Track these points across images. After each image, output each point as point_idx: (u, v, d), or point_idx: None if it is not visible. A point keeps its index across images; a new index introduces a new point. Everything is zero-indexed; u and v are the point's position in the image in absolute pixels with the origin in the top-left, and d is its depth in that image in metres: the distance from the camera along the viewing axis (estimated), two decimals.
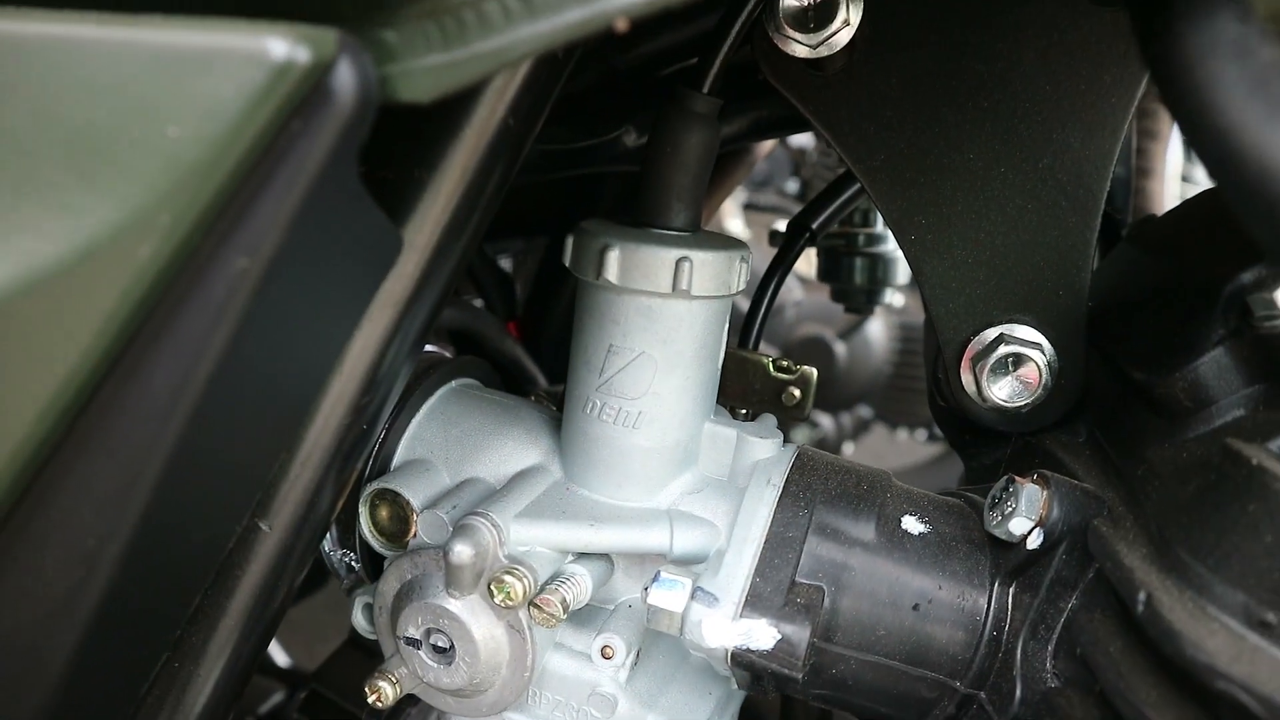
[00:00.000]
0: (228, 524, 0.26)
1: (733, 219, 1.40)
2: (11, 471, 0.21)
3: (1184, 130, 0.21)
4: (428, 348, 0.38)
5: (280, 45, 0.17)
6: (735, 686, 0.30)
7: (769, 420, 0.33)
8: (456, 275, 0.27)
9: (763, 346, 0.78)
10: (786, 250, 0.39)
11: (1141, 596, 0.22)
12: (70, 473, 0.23)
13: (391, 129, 0.21)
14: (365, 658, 0.43)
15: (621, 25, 0.18)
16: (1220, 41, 0.19)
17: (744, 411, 0.37)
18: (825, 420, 1.54)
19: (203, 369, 0.21)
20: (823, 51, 0.29)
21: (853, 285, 0.70)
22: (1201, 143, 0.20)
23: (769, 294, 0.38)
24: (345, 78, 0.18)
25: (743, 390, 0.37)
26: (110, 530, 0.24)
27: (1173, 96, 0.20)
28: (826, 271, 0.72)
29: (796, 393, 0.37)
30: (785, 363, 0.37)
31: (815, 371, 0.37)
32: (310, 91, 0.18)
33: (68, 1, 0.20)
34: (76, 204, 0.19)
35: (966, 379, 0.31)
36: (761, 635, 0.26)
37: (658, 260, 0.28)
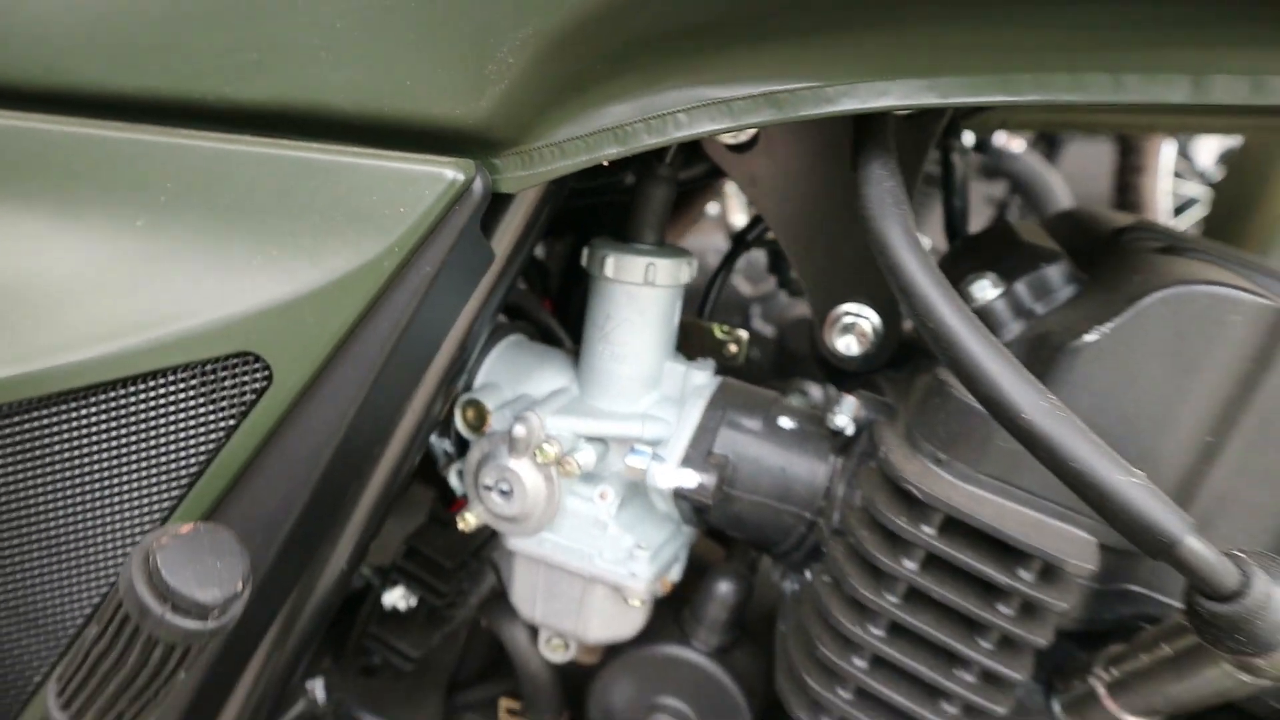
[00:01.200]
0: (388, 425, 0.46)
1: (739, 214, 1.59)
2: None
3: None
4: (501, 321, 0.58)
5: (452, 171, 0.37)
6: (681, 520, 0.50)
7: (709, 362, 0.53)
8: (518, 275, 0.47)
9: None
10: (730, 256, 0.59)
11: (883, 450, 0.42)
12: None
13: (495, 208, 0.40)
14: (441, 528, 0.64)
15: (606, 162, 0.38)
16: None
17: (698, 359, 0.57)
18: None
19: (394, 334, 0.40)
20: (740, 139, 0.48)
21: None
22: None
23: (717, 282, 0.58)
24: (478, 184, 0.38)
25: (699, 345, 0.56)
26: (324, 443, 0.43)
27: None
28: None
29: (734, 348, 0.56)
30: (726, 327, 0.56)
31: (746, 334, 0.56)
32: (463, 191, 0.38)
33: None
34: (345, 251, 0.38)
35: (829, 338, 0.51)
36: (689, 479, 0.46)
37: (636, 264, 0.48)
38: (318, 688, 0.64)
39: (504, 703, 0.62)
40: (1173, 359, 0.37)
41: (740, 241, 0.59)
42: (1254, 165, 1.45)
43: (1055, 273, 0.43)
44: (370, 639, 0.65)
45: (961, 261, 0.50)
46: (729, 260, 0.59)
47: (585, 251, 0.50)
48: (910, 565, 0.39)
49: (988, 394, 0.32)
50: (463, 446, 0.54)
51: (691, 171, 0.55)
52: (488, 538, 0.62)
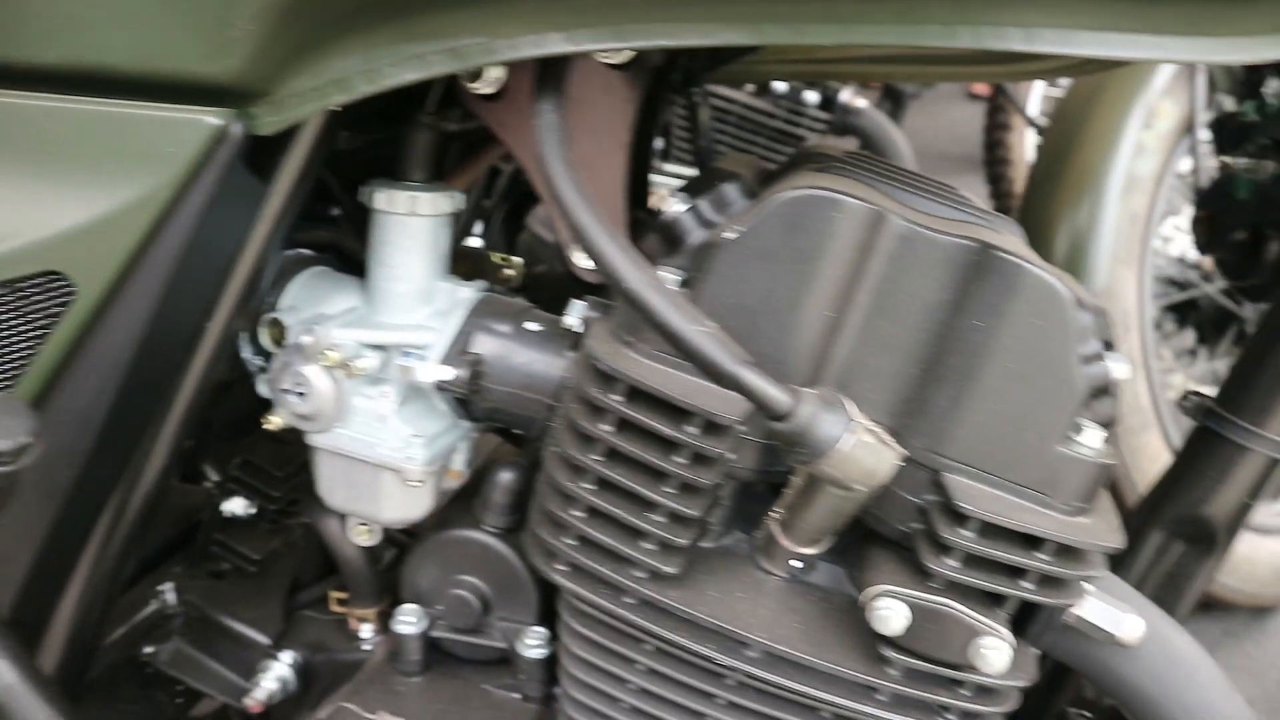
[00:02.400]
0: (191, 336, 0.54)
1: None
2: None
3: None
4: (306, 253, 0.66)
5: (210, 118, 0.46)
6: (454, 415, 0.60)
7: (481, 283, 0.62)
8: (299, 206, 0.55)
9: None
10: (486, 187, 0.68)
11: (588, 338, 0.51)
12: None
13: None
14: (272, 442, 0.72)
15: (338, 107, 0.46)
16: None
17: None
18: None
19: (181, 253, 0.49)
20: (486, 89, 0.57)
21: None
22: None
23: (493, 214, 0.68)
24: (236, 127, 0.46)
25: (480, 271, 0.66)
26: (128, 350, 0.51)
27: None
28: None
29: (510, 272, 0.66)
30: (503, 255, 0.66)
31: (522, 260, 0.66)
32: (222, 134, 0.46)
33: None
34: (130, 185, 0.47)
35: (572, 257, 0.60)
36: (447, 373, 0.56)
37: (401, 198, 0.57)
38: (169, 591, 0.72)
39: (333, 594, 0.71)
40: (793, 250, 0.47)
41: (495, 176, 0.68)
42: (1072, 115, 1.58)
43: (731, 190, 0.53)
44: (215, 545, 0.73)
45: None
46: (486, 191, 0.69)
47: (361, 190, 0.58)
48: (607, 428, 0.49)
49: (609, 274, 0.42)
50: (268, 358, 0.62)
51: (466, 124, 0.64)
52: None
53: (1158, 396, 1.52)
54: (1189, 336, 1.77)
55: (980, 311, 0.47)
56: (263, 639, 0.71)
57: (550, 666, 0.63)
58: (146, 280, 0.49)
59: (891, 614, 0.48)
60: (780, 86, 1.68)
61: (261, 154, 0.50)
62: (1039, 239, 1.51)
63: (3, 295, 0.48)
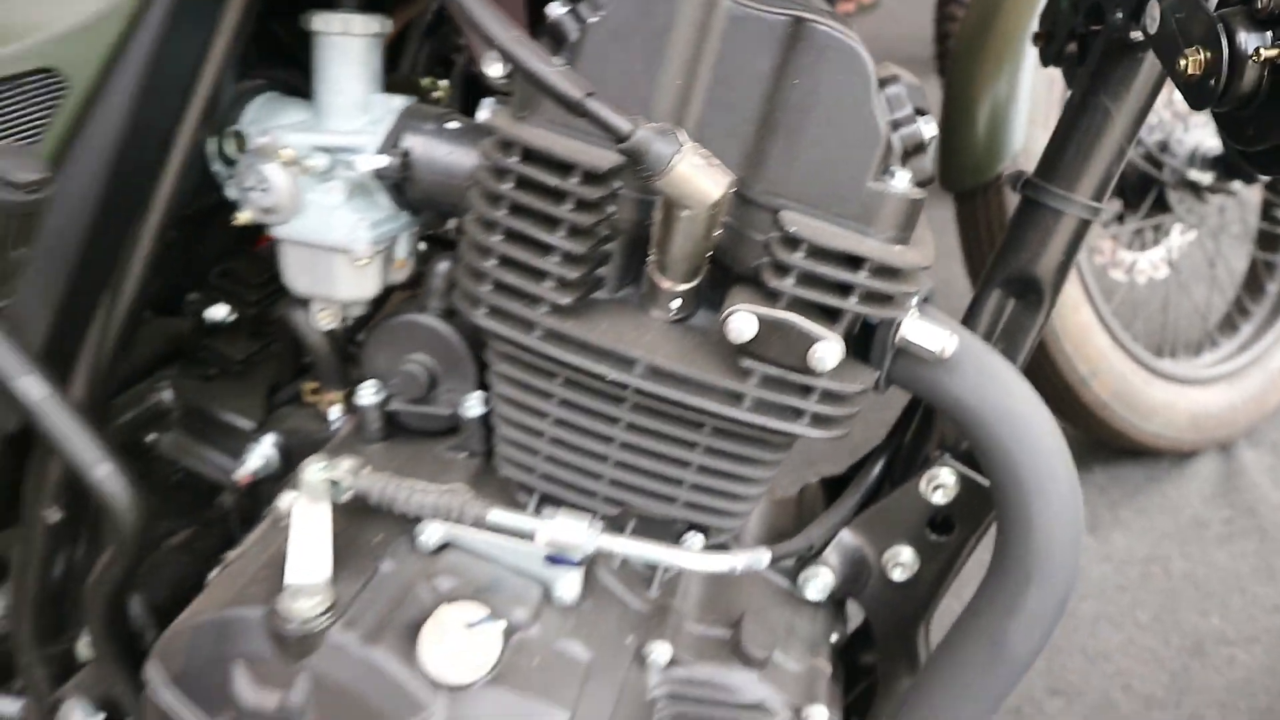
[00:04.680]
0: (168, 127, 0.65)
1: None
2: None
3: None
4: (260, 82, 0.77)
5: None
6: (394, 206, 0.71)
7: (412, 99, 0.73)
8: (251, 21, 0.66)
9: None
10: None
11: (492, 115, 0.62)
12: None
13: None
14: (250, 257, 0.84)
15: None
16: None
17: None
18: None
19: (155, 48, 0.60)
20: None
21: None
22: None
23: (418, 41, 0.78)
24: None
25: (414, 94, 0.76)
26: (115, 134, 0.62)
27: None
28: None
29: (439, 94, 0.76)
30: (431, 80, 0.76)
31: (447, 82, 0.76)
32: None
33: None
34: None
35: (483, 66, 0.71)
36: (381, 161, 0.67)
37: (335, 19, 0.67)
38: (166, 389, 0.84)
39: (305, 387, 0.83)
40: (645, 29, 0.58)
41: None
42: None
43: None
44: (202, 349, 0.85)
45: None
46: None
47: (300, 17, 0.69)
48: (507, 186, 0.61)
49: (499, 48, 0.53)
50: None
51: None
52: None
53: None
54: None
55: (798, 73, 0.58)
56: (247, 425, 0.83)
57: (488, 425, 0.75)
58: (125, 76, 0.59)
59: (743, 324, 0.60)
60: None
61: None
62: (963, 108, 1.61)
63: (4, 91, 0.58)
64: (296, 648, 0.62)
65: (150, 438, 0.84)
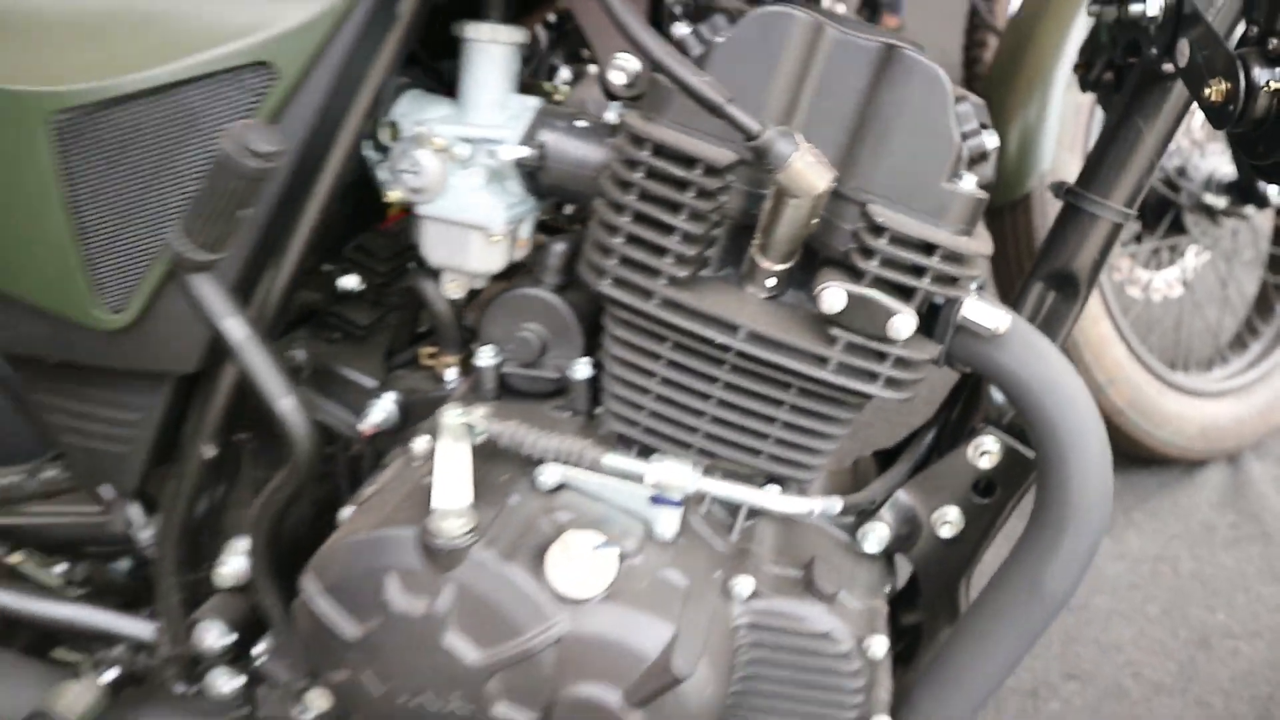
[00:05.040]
0: (344, 114, 0.76)
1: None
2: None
3: None
4: (407, 80, 0.88)
5: None
6: (525, 192, 0.82)
7: (538, 99, 0.84)
8: (417, 33, 0.77)
9: None
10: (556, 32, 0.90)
11: (626, 118, 0.74)
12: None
13: None
14: (379, 235, 0.95)
15: None
16: None
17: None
18: None
19: (347, 52, 0.71)
20: None
21: None
22: None
23: (545, 51, 0.90)
24: None
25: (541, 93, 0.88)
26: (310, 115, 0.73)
27: None
28: None
29: (559, 97, 0.88)
30: (553, 84, 0.88)
31: (568, 86, 0.88)
32: None
33: None
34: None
35: (608, 76, 0.82)
36: (522, 152, 0.78)
37: (484, 28, 0.79)
38: (298, 349, 0.95)
39: (423, 350, 0.94)
40: (762, 50, 0.69)
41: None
42: (1025, 22, 1.79)
43: (720, 18, 0.75)
44: (331, 315, 0.96)
45: None
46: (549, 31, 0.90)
47: (453, 25, 0.80)
48: (638, 175, 0.72)
49: (644, 51, 0.64)
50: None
51: None
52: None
53: None
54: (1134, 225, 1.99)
55: (888, 90, 0.70)
56: (369, 383, 0.94)
57: (593, 387, 0.86)
58: (323, 69, 0.71)
59: (834, 298, 0.71)
60: None
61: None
62: (996, 130, 1.73)
63: (226, 80, 0.70)
64: (444, 561, 0.73)
65: None
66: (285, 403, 0.74)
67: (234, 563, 0.93)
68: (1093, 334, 1.76)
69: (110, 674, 1.01)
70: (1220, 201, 1.84)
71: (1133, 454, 1.92)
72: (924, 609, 0.95)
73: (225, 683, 0.96)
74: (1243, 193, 1.79)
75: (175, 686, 1.01)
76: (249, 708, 0.99)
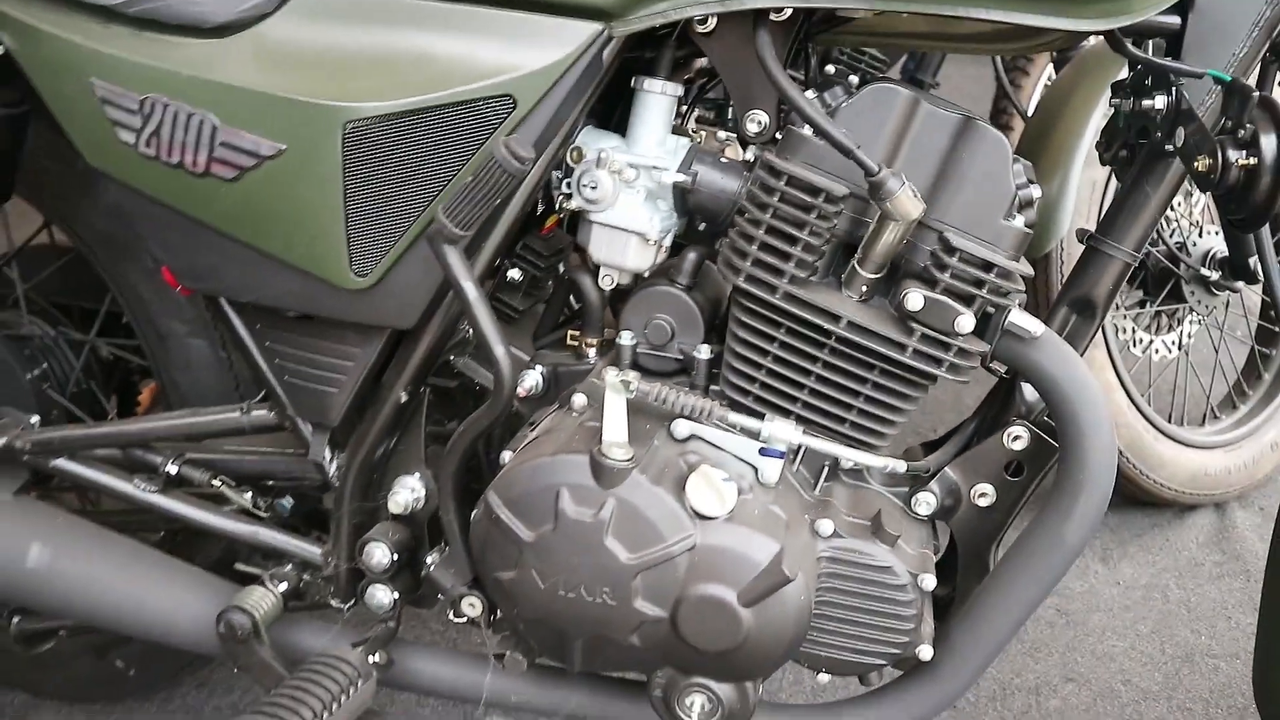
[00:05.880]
0: (549, 140, 1.00)
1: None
2: None
3: None
4: None
5: (597, 23, 0.93)
6: (673, 210, 1.06)
7: (688, 139, 1.08)
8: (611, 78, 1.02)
9: None
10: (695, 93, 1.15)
11: (764, 155, 0.98)
12: None
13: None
14: (540, 238, 1.19)
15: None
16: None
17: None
18: None
19: (568, 91, 0.96)
20: (704, 29, 1.04)
21: None
22: None
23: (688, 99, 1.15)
24: (603, 31, 0.94)
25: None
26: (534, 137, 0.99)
27: None
28: None
29: (700, 136, 1.12)
30: (697, 127, 1.12)
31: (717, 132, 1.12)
32: (599, 33, 0.93)
33: None
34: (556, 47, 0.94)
35: (748, 128, 1.07)
36: (680, 177, 1.02)
37: (656, 83, 1.04)
38: (468, 329, 1.18)
39: (569, 332, 1.18)
40: (874, 114, 0.94)
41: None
42: (1050, 105, 2.06)
43: (839, 88, 1.00)
44: (496, 299, 1.20)
45: None
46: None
47: (634, 79, 1.05)
48: (774, 199, 0.96)
49: (796, 108, 0.89)
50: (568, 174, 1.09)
51: (686, 50, 1.10)
52: (567, 245, 1.18)
53: (1103, 325, 1.99)
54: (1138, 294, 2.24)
55: (965, 149, 0.94)
56: (523, 357, 1.17)
57: (710, 368, 1.09)
58: (547, 103, 0.95)
59: (915, 299, 0.95)
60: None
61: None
62: None
63: (477, 106, 0.94)
64: (609, 480, 0.95)
65: (453, 358, 1.18)
66: (500, 349, 0.98)
67: (403, 495, 1.15)
68: (1098, 380, 1.99)
69: (283, 585, 1.22)
70: (1215, 275, 2.09)
71: (1128, 494, 2.14)
72: (961, 570, 1.17)
73: (384, 596, 1.18)
74: (1234, 269, 2.03)
75: (334, 600, 1.23)
76: (396, 621, 1.20)
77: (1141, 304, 2.23)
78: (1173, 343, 2.26)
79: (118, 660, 1.51)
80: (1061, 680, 1.79)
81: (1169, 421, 2.18)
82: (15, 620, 1.39)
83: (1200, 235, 2.14)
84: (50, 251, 1.56)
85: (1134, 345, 2.21)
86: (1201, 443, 2.20)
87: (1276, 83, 1.12)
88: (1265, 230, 1.38)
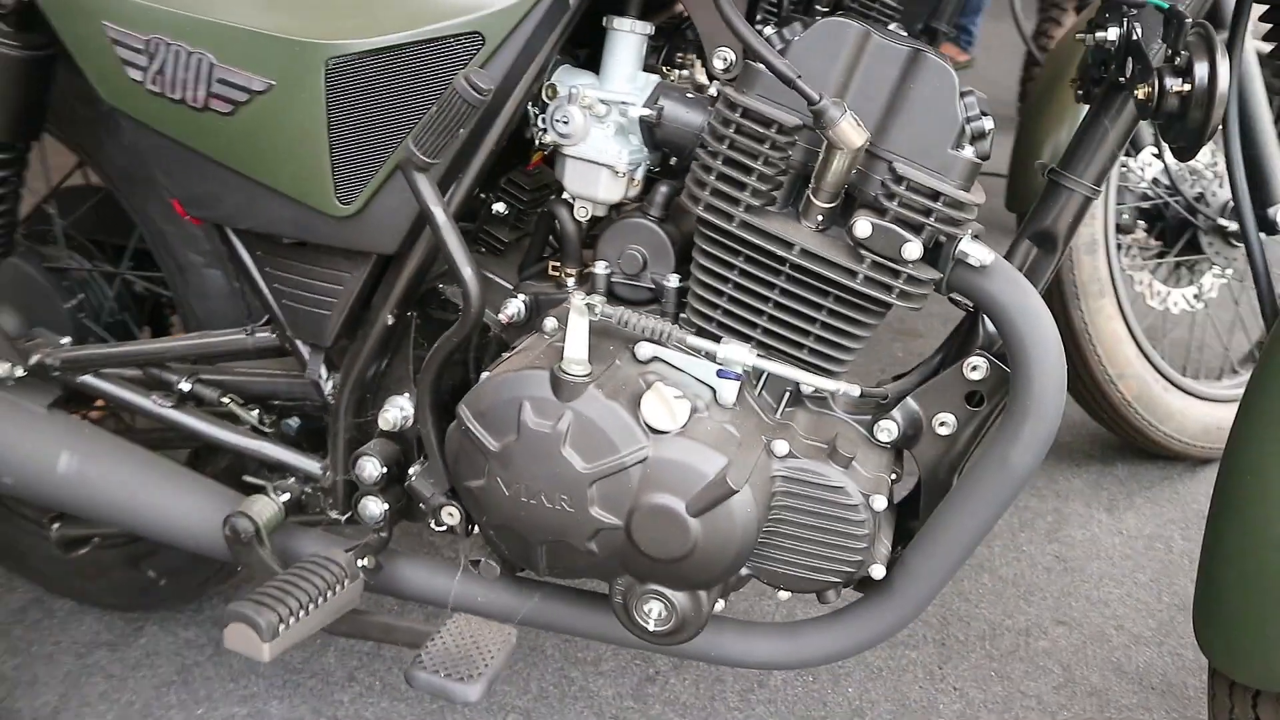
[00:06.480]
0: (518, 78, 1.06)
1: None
2: None
3: None
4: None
5: None
6: (642, 144, 1.11)
7: (658, 76, 1.13)
8: (580, 19, 1.07)
9: None
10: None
11: (723, 89, 1.02)
12: None
13: None
14: (525, 173, 1.25)
15: None
16: None
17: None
18: None
19: (537, 25, 1.01)
20: None
21: None
22: None
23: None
24: None
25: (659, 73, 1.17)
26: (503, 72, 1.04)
27: None
28: None
29: (673, 78, 1.17)
30: (670, 68, 1.16)
31: (686, 73, 1.17)
32: None
33: None
34: None
35: (710, 61, 1.11)
36: (647, 111, 1.07)
37: (625, 21, 1.08)
38: None
39: (550, 262, 1.24)
40: (825, 47, 0.98)
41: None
42: (1060, 61, 2.04)
43: (798, 24, 1.03)
44: (481, 233, 1.26)
45: None
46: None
47: (604, 18, 1.10)
48: (730, 130, 1.00)
49: (741, 39, 0.93)
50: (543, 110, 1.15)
51: None
52: (551, 181, 1.23)
53: (1114, 268, 1.99)
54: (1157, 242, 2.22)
55: (913, 81, 0.97)
56: (507, 285, 1.23)
57: (679, 296, 1.14)
58: (516, 38, 1.01)
59: (864, 227, 0.99)
60: None
61: None
62: (1030, 148, 1.98)
63: (449, 43, 1.00)
64: (567, 394, 1.02)
65: (441, 286, 1.25)
66: (468, 270, 1.04)
67: (393, 413, 1.23)
68: (1107, 331, 2.00)
69: (285, 496, 1.31)
70: (1233, 224, 2.07)
71: (1137, 445, 2.14)
72: (924, 498, 1.21)
73: (375, 508, 1.26)
74: (1255, 219, 2.01)
75: (331, 512, 1.32)
76: (388, 531, 1.29)
77: (1161, 256, 2.22)
78: (1193, 295, 2.24)
79: (149, 570, 1.63)
80: (1052, 623, 1.82)
81: (1184, 375, 2.17)
82: (55, 526, 1.51)
83: (1220, 186, 2.12)
84: (86, 190, 1.67)
85: (1150, 297, 2.20)
86: (1216, 396, 2.18)
87: (1251, 18, 1.13)
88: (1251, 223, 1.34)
